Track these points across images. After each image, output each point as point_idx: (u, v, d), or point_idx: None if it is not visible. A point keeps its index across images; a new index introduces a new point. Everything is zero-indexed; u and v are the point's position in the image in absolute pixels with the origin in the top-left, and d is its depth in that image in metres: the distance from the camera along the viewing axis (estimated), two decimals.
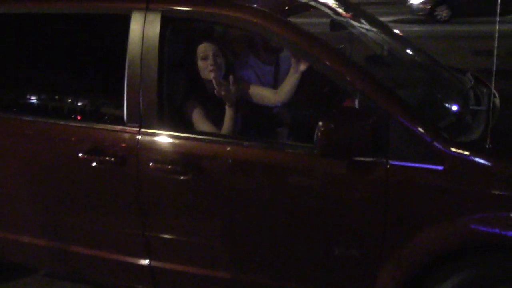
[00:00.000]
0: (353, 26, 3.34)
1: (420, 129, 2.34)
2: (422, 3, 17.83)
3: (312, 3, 3.18)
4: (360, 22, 3.39)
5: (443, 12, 17.26)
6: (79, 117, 3.12)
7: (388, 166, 2.38)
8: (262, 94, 3.15)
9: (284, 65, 3.86)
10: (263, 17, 2.58)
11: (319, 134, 2.30)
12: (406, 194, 2.38)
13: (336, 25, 3.32)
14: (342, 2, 3.45)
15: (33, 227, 3.09)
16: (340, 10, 3.33)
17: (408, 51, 3.48)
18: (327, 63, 2.47)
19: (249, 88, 3.16)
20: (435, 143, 2.33)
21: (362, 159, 2.40)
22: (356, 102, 2.45)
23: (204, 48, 2.96)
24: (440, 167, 2.31)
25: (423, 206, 2.35)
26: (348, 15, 3.37)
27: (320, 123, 2.29)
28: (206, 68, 2.95)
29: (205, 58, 2.96)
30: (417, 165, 2.34)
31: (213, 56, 2.95)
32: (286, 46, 2.64)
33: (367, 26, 3.38)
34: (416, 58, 3.45)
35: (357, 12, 3.50)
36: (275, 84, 3.77)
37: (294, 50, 2.67)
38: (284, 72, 3.85)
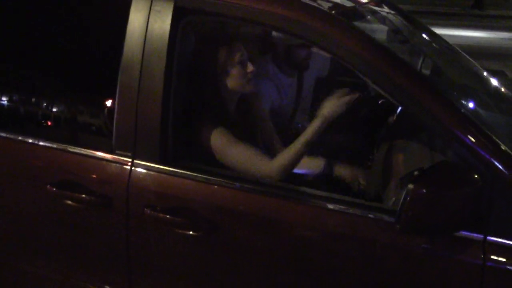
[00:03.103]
0: (415, 39, 2.61)
1: None
2: None
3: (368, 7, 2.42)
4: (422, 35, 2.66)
5: None
6: (46, 133, 2.29)
7: (486, 245, 1.68)
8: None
9: (309, 78, 3.14)
10: (331, 23, 1.82)
11: (408, 201, 1.57)
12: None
13: (395, 35, 2.58)
14: (401, 13, 2.71)
15: None
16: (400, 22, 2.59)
17: (476, 71, 2.76)
18: (416, 97, 1.73)
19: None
20: None
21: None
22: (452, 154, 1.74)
23: (241, 50, 2.17)
24: None
25: None
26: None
27: (411, 186, 1.56)
28: (244, 77, 2.18)
29: (242, 63, 2.17)
30: None
31: (250, 61, 2.20)
32: (357, 66, 1.84)
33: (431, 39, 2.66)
34: (492, 82, 2.73)
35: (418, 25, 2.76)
36: (297, 101, 3.05)
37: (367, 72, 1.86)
38: (308, 87, 3.15)
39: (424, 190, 1.56)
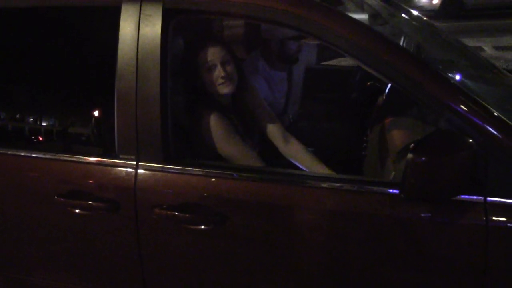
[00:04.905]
0: (395, 19, 2.67)
1: None
2: None
3: None
4: (401, 16, 2.73)
5: None
6: (45, 145, 2.32)
7: (487, 206, 1.75)
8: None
9: (298, 70, 3.21)
10: (316, 9, 1.87)
11: (409, 170, 1.64)
12: None
13: (376, 18, 2.64)
14: None
15: None
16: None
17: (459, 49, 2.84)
18: (405, 71, 1.80)
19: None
20: None
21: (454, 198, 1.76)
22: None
23: (210, 55, 2.24)
24: None
25: None
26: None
27: (411, 155, 1.63)
28: (216, 82, 2.25)
29: (211, 69, 2.25)
30: None
31: (222, 64, 2.25)
32: (345, 48, 1.90)
33: (409, 20, 2.73)
34: (474, 58, 2.80)
35: (395, 6, 2.84)
36: (288, 93, 3.12)
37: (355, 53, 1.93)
38: (298, 78, 3.22)
39: (423, 158, 1.62)
